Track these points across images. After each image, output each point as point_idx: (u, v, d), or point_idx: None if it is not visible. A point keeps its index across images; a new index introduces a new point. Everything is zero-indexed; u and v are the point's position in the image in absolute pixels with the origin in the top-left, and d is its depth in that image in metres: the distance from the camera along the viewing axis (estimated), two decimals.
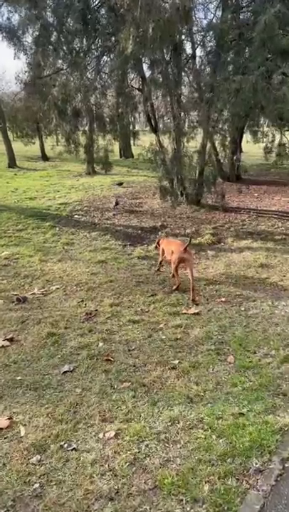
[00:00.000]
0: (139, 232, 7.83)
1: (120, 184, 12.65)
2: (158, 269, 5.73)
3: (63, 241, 7.17)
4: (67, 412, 2.85)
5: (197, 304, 4.64)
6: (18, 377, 3.31)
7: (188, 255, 4.90)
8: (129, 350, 3.67)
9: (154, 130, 8.66)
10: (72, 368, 3.41)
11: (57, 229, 7.93)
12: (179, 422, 2.65)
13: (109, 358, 3.52)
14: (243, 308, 4.46)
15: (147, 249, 6.78)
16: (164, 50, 5.88)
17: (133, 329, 4.07)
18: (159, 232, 7.61)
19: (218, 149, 7.42)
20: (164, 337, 3.87)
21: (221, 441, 2.44)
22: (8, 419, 2.84)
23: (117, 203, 10.06)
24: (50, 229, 7.90)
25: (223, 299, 4.74)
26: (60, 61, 6.98)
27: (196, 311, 4.43)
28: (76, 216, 8.86)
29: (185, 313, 4.40)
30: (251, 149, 15.09)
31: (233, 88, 5.96)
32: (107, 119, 7.50)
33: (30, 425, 2.76)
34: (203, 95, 6.03)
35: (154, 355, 3.55)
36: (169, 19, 4.85)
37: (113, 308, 4.55)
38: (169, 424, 2.65)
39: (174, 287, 5.06)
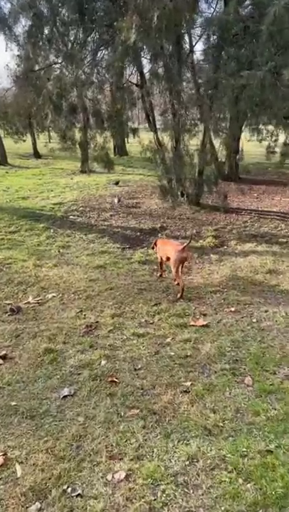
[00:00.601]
0: (138, 234, 7.49)
1: (117, 183, 12.29)
2: (160, 275, 5.42)
3: (59, 244, 6.81)
4: (69, 447, 2.52)
5: (205, 315, 4.32)
6: (13, 403, 2.96)
7: (187, 254, 4.84)
8: (135, 370, 3.34)
9: (154, 127, 8.31)
10: (73, 392, 3.07)
11: (52, 231, 7.56)
12: (198, 461, 2.33)
13: (114, 379, 3.19)
14: (255, 320, 4.16)
15: (147, 252, 6.45)
16: (166, 43, 5.54)
17: (138, 344, 3.74)
18: (159, 234, 7.28)
19: (219, 148, 7.07)
20: (172, 353, 3.55)
21: (249, 486, 2.13)
22: (3, 455, 2.50)
23: (119, 200, 9.86)
24: (45, 231, 7.53)
25: (233, 309, 4.43)
26: (54, 54, 6.59)
27: (205, 322, 4.12)
28: (71, 217, 8.49)
29: (193, 326, 4.08)
30: (247, 148, 14.85)
31: (239, 84, 5.64)
32: (105, 115, 7.13)
33: (27, 463, 2.42)
34: (207, 91, 5.70)
35: (163, 376, 3.22)
36: (176, 7, 4.50)
37: (115, 320, 4.22)
38: (186, 463, 2.33)
39: (179, 295, 4.74)
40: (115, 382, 3.16)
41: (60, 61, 6.82)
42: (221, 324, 4.11)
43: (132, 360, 3.47)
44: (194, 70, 6.17)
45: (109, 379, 3.19)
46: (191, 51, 6.27)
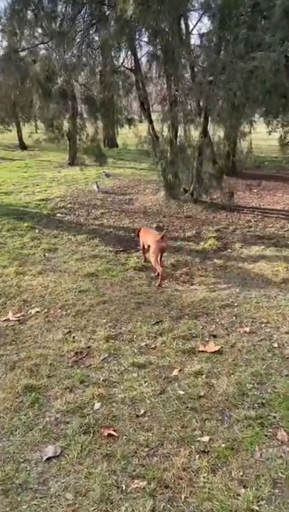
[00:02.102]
0: (132, 234, 6.77)
1: (108, 176, 11.54)
2: (144, 260, 5.46)
3: (44, 246, 6.08)
4: None
5: (215, 336, 3.68)
6: None
7: (165, 244, 5.04)
8: (137, 416, 2.68)
9: (149, 118, 7.59)
10: (59, 452, 2.40)
11: (36, 231, 6.81)
12: None
13: (112, 432, 2.53)
14: (276, 345, 3.53)
15: (144, 256, 5.77)
16: (167, 20, 4.83)
17: (139, 378, 3.08)
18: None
19: (223, 140, 6.37)
20: (181, 392, 2.90)
21: None
22: None
23: (98, 187, 9.64)
24: (29, 231, 6.78)
25: (247, 329, 3.80)
26: (42, 32, 5.81)
27: (216, 348, 3.47)
28: (59, 215, 7.75)
29: (203, 352, 3.44)
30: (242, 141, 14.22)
31: (249, 67, 4.97)
32: (97, 103, 6.38)
33: None
34: (213, 75, 5.01)
35: (172, 426, 2.58)
36: None
37: (110, 344, 3.55)
38: None
39: (158, 282, 4.82)
40: (113, 436, 2.50)
41: (46, 41, 6.04)
42: (235, 350, 3.47)
43: (133, 403, 2.81)
44: (194, 52, 5.48)
45: (106, 431, 2.53)
46: (188, 32, 5.54)
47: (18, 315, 4.16)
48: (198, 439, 2.46)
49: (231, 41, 5.21)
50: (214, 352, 3.42)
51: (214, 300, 4.40)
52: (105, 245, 6.22)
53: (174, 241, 6.47)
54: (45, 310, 4.25)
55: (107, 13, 5.89)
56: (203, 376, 3.09)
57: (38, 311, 4.23)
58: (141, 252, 5.55)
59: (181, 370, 3.18)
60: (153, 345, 3.55)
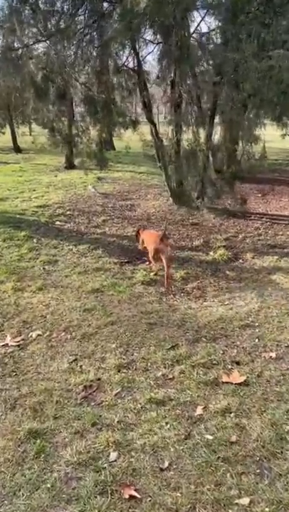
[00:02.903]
0: (137, 244, 6.41)
1: (99, 179, 10.90)
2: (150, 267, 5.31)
3: (44, 258, 5.68)
4: None
5: (238, 363, 3.31)
6: None
7: (163, 246, 4.85)
8: (161, 470, 2.30)
9: (151, 120, 7.22)
10: None
11: (34, 241, 6.41)
12: None
13: (132, 493, 2.14)
14: None
15: (151, 268, 5.40)
16: (179, 14, 4.48)
17: (159, 418, 2.70)
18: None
19: (238, 143, 5.99)
20: (210, 437, 2.52)
21: None
22: None
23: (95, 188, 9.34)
24: (27, 241, 6.38)
25: (273, 354, 3.43)
26: (41, 28, 5.41)
27: (242, 378, 3.10)
28: (58, 223, 7.35)
29: (228, 383, 3.06)
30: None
31: (264, 66, 4.62)
32: (100, 104, 5.99)
33: None
34: (227, 75, 4.66)
35: (204, 483, 2.19)
36: None
37: (122, 375, 3.16)
38: None
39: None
40: (135, 497, 2.12)
41: (43, 38, 5.65)
42: (263, 380, 3.10)
43: (155, 451, 2.43)
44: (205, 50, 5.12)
45: (126, 492, 2.14)
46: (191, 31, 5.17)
47: (18, 339, 3.76)
48: (237, 501, 2.08)
49: (244, 39, 4.85)
50: (240, 383, 3.05)
51: (232, 319, 4.03)
52: (109, 256, 5.84)
53: (182, 251, 6.10)
54: (48, 333, 3.86)
55: (110, 8, 5.52)
56: (232, 415, 2.71)
57: (39, 334, 3.84)
58: (145, 255, 5.45)
59: (205, 407, 2.80)
60: (170, 376, 3.17)
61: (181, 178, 5.76)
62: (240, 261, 5.76)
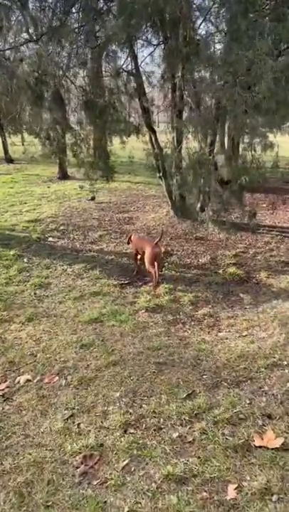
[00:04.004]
0: (138, 262, 5.83)
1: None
2: (137, 273, 5.33)
3: (35, 281, 5.07)
4: None
5: (269, 417, 2.71)
6: None
7: (160, 249, 4.93)
8: None
9: (151, 127, 6.69)
10: None
11: (25, 260, 5.80)
12: None
13: None
14: None
15: (155, 291, 4.82)
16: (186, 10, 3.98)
17: (181, 506, 2.08)
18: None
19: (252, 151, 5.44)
20: None
21: None
22: None
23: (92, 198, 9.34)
24: (16, 260, 5.76)
25: None
26: (28, 28, 4.89)
27: (279, 440, 2.50)
28: (51, 239, 6.75)
29: (262, 447, 2.46)
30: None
31: (280, 66, 4.11)
32: (98, 109, 5.43)
33: None
34: (237, 75, 4.14)
35: None
36: None
37: (130, 439, 2.55)
38: None
39: (153, 285, 4.88)
40: None
41: (34, 38, 5.10)
42: None
43: None
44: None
45: None
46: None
47: (3, 386, 3.14)
48: None
49: (257, 35, 4.35)
50: (277, 448, 2.45)
51: (256, 357, 3.44)
52: (107, 277, 5.24)
53: (188, 270, 5.52)
54: (38, 377, 3.24)
55: (105, 8, 5.00)
56: (274, 498, 2.11)
57: (28, 380, 3.22)
58: (134, 264, 5.44)
59: (238, 486, 2.20)
60: (190, 438, 2.56)
61: (184, 189, 5.20)
62: (254, 281, 5.19)
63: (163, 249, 6.14)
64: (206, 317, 4.27)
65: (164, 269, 5.51)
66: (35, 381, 3.20)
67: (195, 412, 2.79)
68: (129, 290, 4.92)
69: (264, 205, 9.29)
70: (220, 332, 3.98)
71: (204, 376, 3.21)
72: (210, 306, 4.53)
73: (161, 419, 2.73)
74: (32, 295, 4.74)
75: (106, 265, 5.69)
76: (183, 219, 7.48)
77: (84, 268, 5.51)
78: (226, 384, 3.10)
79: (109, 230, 7.25)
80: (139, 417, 2.75)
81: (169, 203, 7.75)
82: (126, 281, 5.17)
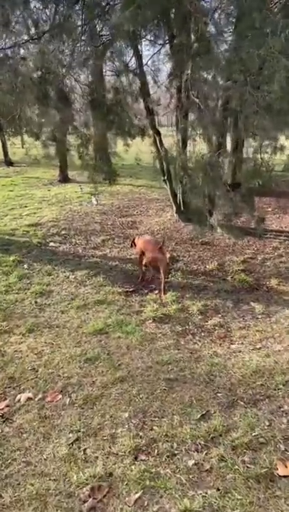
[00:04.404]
0: (143, 268, 5.61)
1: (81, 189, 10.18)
2: (142, 279, 5.12)
3: (36, 289, 4.85)
4: None
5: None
6: None
7: (161, 255, 4.69)
8: None
9: (155, 129, 6.49)
10: None
11: (25, 266, 5.58)
12: None
13: None
14: None
15: (161, 299, 4.61)
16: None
17: None
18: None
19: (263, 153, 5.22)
20: None
21: None
22: None
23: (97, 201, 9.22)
24: (16, 267, 5.54)
25: None
26: (28, 25, 4.69)
27: None
28: (52, 244, 6.53)
29: (287, 477, 2.24)
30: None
31: None
32: (107, 110, 5.21)
33: None
34: (248, 73, 3.95)
35: None
36: None
37: (142, 467, 2.33)
38: None
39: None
40: None
41: (37, 36, 4.90)
42: None
43: None
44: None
45: None
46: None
47: (2, 405, 2.92)
48: None
49: (269, 32, 4.15)
50: None
51: (272, 372, 3.22)
52: (112, 284, 5.02)
53: (195, 277, 5.31)
54: (40, 395, 3.02)
55: (112, 2, 4.81)
56: None
57: (29, 398, 3.00)
58: (139, 269, 5.23)
59: None
60: (207, 466, 2.34)
61: (193, 192, 4.99)
62: (265, 289, 4.97)
63: (168, 255, 5.94)
64: (216, 328, 4.06)
65: (170, 276, 5.30)
66: (36, 399, 2.98)
67: (211, 435, 2.57)
68: (134, 298, 4.70)
69: (269, 209, 9.08)
70: (232, 344, 3.76)
71: (219, 394, 2.99)
72: (220, 315, 4.32)
73: (175, 444, 2.51)
74: (33, 304, 4.52)
75: (110, 272, 5.47)
76: (188, 223, 7.28)
77: (87, 275, 5.29)
78: (242, 403, 2.88)
79: (112, 234, 7.03)
80: (150, 442, 2.53)
81: (174, 206, 7.55)
82: (131, 289, 4.95)
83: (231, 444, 2.49)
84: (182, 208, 7.31)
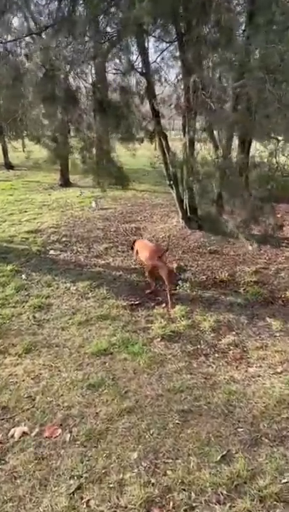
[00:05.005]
0: (150, 279, 5.27)
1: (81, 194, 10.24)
2: (151, 292, 4.73)
3: (34, 302, 4.50)
4: None
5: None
6: None
7: (161, 262, 4.50)
8: None
9: (162, 131, 6.17)
10: None
11: (23, 276, 5.23)
12: None
13: None
14: None
15: (169, 313, 4.26)
16: None
17: None
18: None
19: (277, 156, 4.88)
20: None
21: None
22: None
23: (97, 204, 9.30)
24: (14, 277, 5.20)
25: None
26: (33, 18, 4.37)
27: None
28: (52, 252, 6.18)
29: None
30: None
31: None
32: (116, 110, 4.87)
33: None
34: (268, 70, 3.63)
35: None
36: None
37: None
38: None
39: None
40: None
41: (38, 31, 4.58)
42: None
43: None
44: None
45: None
46: None
47: None
48: None
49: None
50: None
51: None
52: (116, 297, 4.67)
53: (205, 289, 4.95)
54: (37, 429, 2.67)
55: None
56: None
57: (25, 432, 2.64)
58: (147, 273, 4.93)
59: None
60: None
61: (201, 198, 4.66)
62: (280, 302, 4.62)
63: (175, 265, 5.60)
64: (231, 347, 3.70)
65: (178, 287, 4.95)
66: (33, 434, 2.63)
67: (234, 482, 2.22)
68: (140, 313, 4.35)
69: (278, 215, 8.72)
70: (250, 367, 3.41)
71: (239, 429, 2.63)
72: (234, 332, 3.96)
73: (193, 494, 2.16)
74: (31, 319, 4.16)
75: (113, 282, 5.12)
76: (195, 230, 6.94)
77: (89, 286, 4.94)
78: (267, 440, 2.53)
79: (116, 241, 6.69)
80: (164, 491, 2.18)
81: (180, 212, 7.20)
82: (136, 302, 4.60)
83: (258, 494, 2.14)
84: (189, 213, 6.96)
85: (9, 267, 5.40)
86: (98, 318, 4.16)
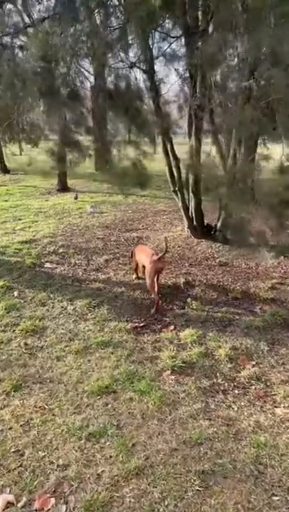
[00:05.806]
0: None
1: (76, 198, 10.49)
2: (156, 309, 4.32)
3: (26, 325, 3.99)
4: None
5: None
6: None
7: (162, 264, 4.48)
8: None
9: (167, 135, 5.69)
10: None
11: (15, 294, 4.73)
12: None
13: None
14: None
15: (179, 336, 3.77)
16: None
17: None
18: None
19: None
20: None
21: None
22: None
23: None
24: (4, 294, 4.70)
25: None
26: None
27: None
28: (48, 265, 5.68)
29: None
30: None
31: None
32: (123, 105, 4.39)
33: None
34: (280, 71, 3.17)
35: None
36: None
37: None
38: None
39: (153, 310, 4.31)
40: None
41: (33, 21, 4.10)
42: None
43: None
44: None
45: None
46: None
47: None
48: None
49: None
50: None
51: None
52: (118, 318, 4.18)
53: (217, 307, 4.46)
54: (25, 498, 2.16)
55: None
56: None
57: (10, 503, 2.13)
58: (133, 270, 5.12)
59: None
60: None
61: (231, 205, 4.18)
62: None
63: (183, 280, 5.11)
64: (252, 381, 3.21)
65: (186, 306, 4.47)
66: (19, 505, 2.12)
67: None
68: (146, 337, 3.85)
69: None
70: (276, 407, 2.91)
71: (275, 498, 2.13)
72: (254, 362, 3.47)
73: None
74: (22, 346, 3.66)
75: (115, 301, 4.63)
76: (201, 239, 6.46)
77: (88, 305, 4.45)
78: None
79: (117, 253, 6.19)
80: None
81: (185, 220, 6.72)
82: (141, 324, 4.10)
83: None
84: (195, 222, 6.48)
85: (0, 283, 4.90)
86: (98, 345, 3.66)
